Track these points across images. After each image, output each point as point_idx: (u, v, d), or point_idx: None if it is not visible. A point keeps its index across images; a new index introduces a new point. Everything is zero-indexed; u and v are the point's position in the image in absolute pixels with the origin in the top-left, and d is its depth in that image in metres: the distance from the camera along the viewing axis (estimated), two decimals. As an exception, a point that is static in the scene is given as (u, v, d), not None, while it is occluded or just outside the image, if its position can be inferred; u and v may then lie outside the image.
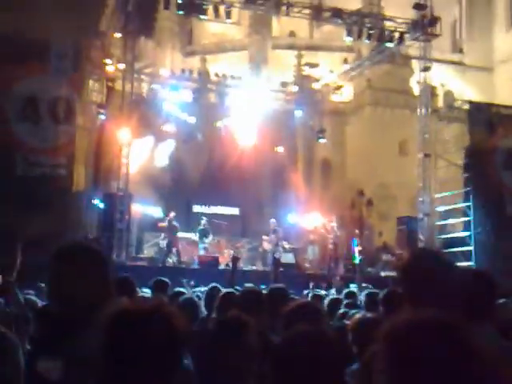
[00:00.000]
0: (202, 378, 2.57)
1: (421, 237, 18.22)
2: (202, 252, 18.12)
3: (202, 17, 17.31)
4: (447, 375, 1.05)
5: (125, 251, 17.57)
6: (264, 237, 17.30)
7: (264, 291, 4.42)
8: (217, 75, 22.07)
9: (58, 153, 20.52)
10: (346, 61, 22.20)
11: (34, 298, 5.11)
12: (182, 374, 1.59)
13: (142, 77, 22.61)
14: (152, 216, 19.81)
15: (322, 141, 22.11)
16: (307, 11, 17.89)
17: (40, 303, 4.82)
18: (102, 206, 18.95)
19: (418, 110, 19.52)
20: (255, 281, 11.02)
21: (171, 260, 17.32)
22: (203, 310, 5.21)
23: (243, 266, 17.52)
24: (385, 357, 1.16)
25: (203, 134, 21.48)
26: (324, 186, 24.48)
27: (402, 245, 18.39)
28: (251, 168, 21.26)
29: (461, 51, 31.84)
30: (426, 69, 19.44)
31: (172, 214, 17.54)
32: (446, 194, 18.92)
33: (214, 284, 6.04)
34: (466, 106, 19.77)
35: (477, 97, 25.97)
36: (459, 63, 30.48)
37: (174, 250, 17.32)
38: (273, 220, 16.72)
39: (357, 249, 16.88)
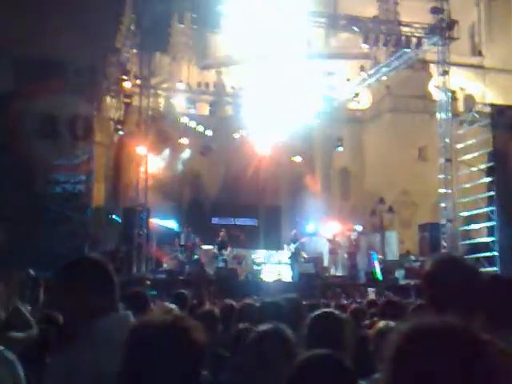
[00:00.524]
0: None
1: (444, 243, 18.35)
2: (221, 264, 18.64)
3: (215, 30, 18.03)
4: None
5: (144, 264, 18.18)
6: (285, 246, 17.75)
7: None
8: (233, 88, 22.76)
9: (77, 170, 21.41)
10: (362, 68, 22.64)
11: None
12: None
13: (159, 92, 23.39)
14: (171, 229, 20.44)
15: (339, 149, 22.53)
16: (323, 20, 18.42)
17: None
18: (120, 220, 19.63)
19: (438, 114, 19.76)
20: (277, 292, 11.43)
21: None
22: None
23: (264, 276, 17.98)
24: (388, 368, 1.15)
25: (220, 146, 22.11)
26: (343, 195, 24.77)
27: (424, 252, 18.58)
28: (269, 178, 21.74)
29: (480, 54, 31.89)
30: (444, 73, 19.73)
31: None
32: (469, 199, 19.03)
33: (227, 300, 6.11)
34: (487, 110, 19.97)
35: (498, 100, 25.93)
36: (479, 66, 30.57)
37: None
38: (294, 231, 17.17)
39: (377, 263, 17.06)
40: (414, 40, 19.20)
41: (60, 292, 2.32)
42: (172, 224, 20.60)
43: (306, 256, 18.06)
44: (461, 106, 28.09)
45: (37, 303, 5.50)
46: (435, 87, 21.00)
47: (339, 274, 18.59)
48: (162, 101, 23.65)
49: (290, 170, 22.62)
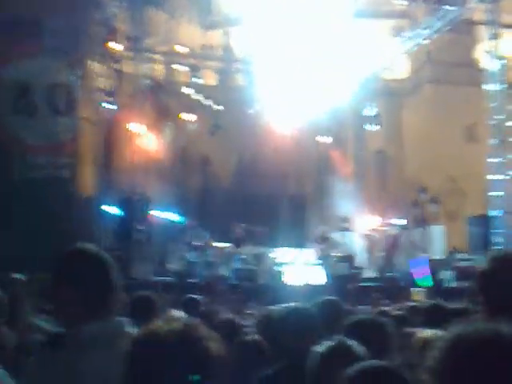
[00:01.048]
0: None
1: (498, 239, 18.96)
2: (238, 264, 19.17)
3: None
4: None
5: (146, 265, 18.63)
6: (315, 245, 18.31)
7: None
8: (244, 52, 22.87)
9: (59, 151, 21.63)
10: (398, 29, 22.95)
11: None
12: None
13: (155, 56, 23.49)
14: (175, 223, 20.78)
15: (375, 128, 22.84)
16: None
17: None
18: (116, 212, 19.86)
19: (489, 86, 20.17)
20: (305, 297, 11.98)
21: None
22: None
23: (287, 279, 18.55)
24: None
25: (231, 124, 22.35)
26: (379, 183, 25.20)
27: (475, 249, 19.17)
28: (291, 163, 22.03)
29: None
30: (495, 36, 20.13)
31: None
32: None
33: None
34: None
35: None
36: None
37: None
38: (323, 227, 17.68)
39: (423, 269, 17.57)
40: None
41: (49, 291, 2.48)
42: (175, 217, 20.97)
43: (337, 255, 18.63)
44: (514, 76, 28.48)
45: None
46: (485, 53, 21.39)
47: (375, 275, 19.20)
48: (159, 67, 23.78)
49: (315, 153, 23.01)
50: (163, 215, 20.73)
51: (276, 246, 19.97)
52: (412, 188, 23.72)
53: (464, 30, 24.27)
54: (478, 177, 21.37)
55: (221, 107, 22.34)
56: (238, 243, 19.36)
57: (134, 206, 19.44)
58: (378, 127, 22.50)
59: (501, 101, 19.92)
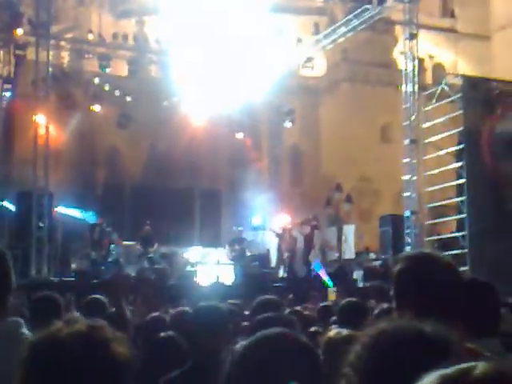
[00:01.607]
0: None
1: (408, 239, 19.37)
2: (146, 264, 18.79)
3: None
4: None
5: (47, 265, 17.91)
6: (227, 247, 18.17)
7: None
8: (158, 42, 22.54)
9: None
10: (316, 26, 23.11)
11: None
12: None
13: (62, 43, 22.73)
14: (81, 220, 20.16)
15: (289, 125, 22.92)
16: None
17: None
18: (15, 208, 19.12)
19: (403, 86, 20.55)
20: (215, 297, 11.77)
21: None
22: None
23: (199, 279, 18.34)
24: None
25: (143, 116, 21.88)
26: (294, 180, 25.36)
27: (386, 249, 19.53)
28: (204, 159, 21.85)
29: (452, 15, 33.35)
30: (412, 37, 20.49)
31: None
32: (437, 187, 19.99)
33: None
34: (459, 82, 20.94)
35: (472, 70, 27.24)
36: (451, 30, 31.96)
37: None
38: (238, 228, 17.55)
39: (322, 272, 17.76)
40: (377, -7, 19.80)
41: None
42: (80, 214, 20.34)
43: (251, 254, 18.55)
44: (429, 77, 29.32)
45: None
46: (400, 54, 21.83)
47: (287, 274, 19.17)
48: (66, 55, 23.03)
49: (230, 149, 22.86)
50: (67, 211, 20.00)
51: (187, 245, 19.66)
52: (326, 186, 23.98)
53: (383, 30, 24.77)
54: (392, 177, 21.81)
55: (131, 98, 21.78)
56: (146, 242, 18.90)
57: (35, 201, 18.61)
58: (292, 124, 22.55)
59: (413, 102, 20.32)
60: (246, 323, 5.52)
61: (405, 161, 20.08)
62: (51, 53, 20.90)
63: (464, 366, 1.07)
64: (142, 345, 5.04)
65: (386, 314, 4.66)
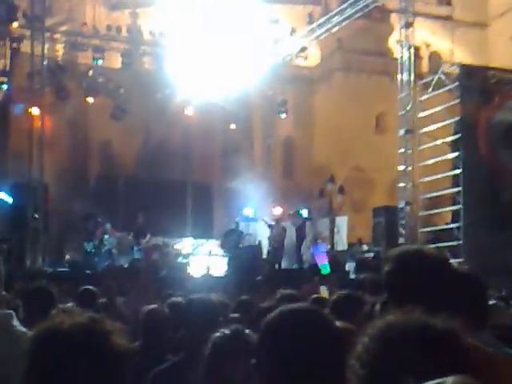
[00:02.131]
0: None
1: (401, 230, 19.31)
2: (137, 255, 18.90)
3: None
4: None
5: (42, 256, 18.10)
6: (220, 237, 18.27)
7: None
8: (152, 34, 22.56)
9: None
10: (310, 15, 23.02)
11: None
12: None
13: (56, 36, 22.82)
14: (76, 212, 20.31)
15: (283, 115, 22.87)
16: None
17: None
18: (11, 199, 19.28)
19: (399, 75, 20.44)
20: (206, 289, 11.86)
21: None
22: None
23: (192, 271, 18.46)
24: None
25: (136, 109, 21.94)
26: (287, 171, 25.37)
27: (379, 240, 19.47)
28: (197, 151, 21.90)
29: (449, 3, 33.07)
30: (408, 25, 20.34)
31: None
32: (432, 178, 19.91)
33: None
34: (456, 70, 20.79)
35: (469, 59, 27.05)
36: (447, 18, 31.71)
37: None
38: (235, 219, 17.63)
39: (322, 256, 17.72)
40: (373, -19, 19.65)
41: None
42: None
43: (243, 246, 18.61)
44: (425, 66, 29.13)
45: None
46: (396, 42, 21.68)
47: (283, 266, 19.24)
48: (60, 48, 23.11)
49: (223, 140, 22.88)
50: (63, 203, 20.17)
51: (180, 236, 19.74)
52: (319, 177, 23.93)
53: (379, 19, 24.60)
54: (386, 167, 21.72)
55: (124, 90, 21.86)
56: (138, 233, 19.02)
57: (30, 192, 18.77)
58: (286, 114, 22.51)
59: (409, 91, 20.20)
60: (235, 315, 5.56)
61: (400, 151, 20.04)
62: (46, 45, 21.01)
63: (436, 381, 1.13)
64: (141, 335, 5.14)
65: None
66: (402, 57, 20.56)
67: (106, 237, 18.61)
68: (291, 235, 19.04)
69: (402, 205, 19.68)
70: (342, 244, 20.49)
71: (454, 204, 19.30)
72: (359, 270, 17.93)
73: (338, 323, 3.31)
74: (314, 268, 18.36)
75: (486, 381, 1.24)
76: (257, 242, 19.56)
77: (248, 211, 20.09)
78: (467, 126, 19.38)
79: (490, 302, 4.61)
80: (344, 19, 21.67)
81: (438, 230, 19.84)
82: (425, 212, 20.41)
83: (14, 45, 21.67)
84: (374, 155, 24.20)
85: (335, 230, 20.62)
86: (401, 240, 18.96)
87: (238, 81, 21.45)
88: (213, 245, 19.31)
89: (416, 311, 1.39)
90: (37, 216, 18.63)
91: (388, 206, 20.41)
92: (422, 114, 20.31)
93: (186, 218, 20.64)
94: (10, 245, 17.47)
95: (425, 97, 20.45)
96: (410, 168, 19.95)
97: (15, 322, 2.50)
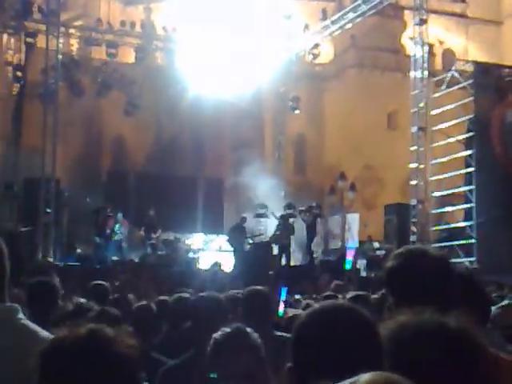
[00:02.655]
0: None
1: (413, 228, 19.03)
2: (149, 250, 18.82)
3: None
4: None
5: (53, 250, 18.05)
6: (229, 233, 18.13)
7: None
8: (165, 29, 22.45)
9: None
10: (324, 12, 22.77)
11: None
12: None
13: (71, 31, 22.77)
14: (88, 206, 20.25)
15: (296, 112, 22.67)
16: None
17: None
18: (24, 193, 19.31)
19: (412, 73, 20.17)
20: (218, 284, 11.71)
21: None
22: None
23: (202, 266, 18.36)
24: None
25: (149, 104, 21.85)
26: (298, 168, 25.17)
27: (390, 238, 19.23)
28: (208, 146, 21.75)
29: (463, 0, 32.68)
30: (421, 22, 20.08)
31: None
32: (444, 176, 19.66)
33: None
34: (470, 68, 20.52)
35: (482, 56, 26.77)
36: (461, 15, 31.34)
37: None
38: (242, 215, 17.47)
39: (350, 252, 17.57)
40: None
41: None
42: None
43: (254, 242, 18.45)
44: (439, 63, 28.81)
45: None
46: (409, 39, 21.40)
47: (293, 263, 19.04)
48: (75, 43, 23.06)
49: (234, 136, 22.71)
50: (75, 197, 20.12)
51: (190, 232, 19.62)
52: (330, 174, 23.72)
53: (392, 15, 24.31)
54: (398, 165, 21.45)
55: (137, 86, 21.75)
56: (149, 227, 18.90)
57: (42, 187, 18.73)
58: (298, 111, 22.31)
59: (422, 88, 19.91)
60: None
61: (412, 148, 19.75)
62: (61, 40, 20.95)
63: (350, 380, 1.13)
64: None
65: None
66: (415, 54, 20.28)
67: (118, 226, 18.49)
68: (302, 232, 18.85)
69: (413, 202, 19.40)
70: (353, 241, 20.27)
71: (466, 202, 19.04)
72: (370, 267, 17.76)
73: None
74: (324, 264, 18.20)
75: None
76: (267, 239, 19.38)
77: (259, 208, 19.94)
78: (481, 124, 19.13)
79: (504, 302, 4.52)
80: (357, 16, 21.41)
81: (451, 228, 19.58)
82: (437, 210, 20.16)
83: (29, 39, 21.61)
84: (385, 152, 23.96)
85: (346, 227, 20.40)
86: (412, 238, 18.72)
87: (250, 77, 21.27)
88: (223, 240, 19.16)
89: (426, 311, 1.37)
90: (49, 210, 18.59)
91: (400, 204, 20.16)
92: (434, 112, 20.05)
93: (197, 213, 20.53)
94: (22, 238, 17.46)
95: (438, 94, 20.19)
96: (421, 166, 19.68)
97: (21, 316, 2.43)
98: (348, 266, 17.36)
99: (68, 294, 5.17)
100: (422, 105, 19.96)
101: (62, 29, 21.52)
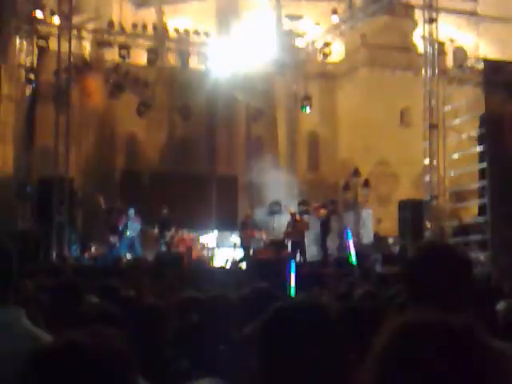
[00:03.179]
0: None
1: (427, 224, 18.88)
2: (163, 248, 18.69)
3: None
4: None
5: (67, 249, 17.96)
6: (240, 230, 17.94)
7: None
8: (177, 31, 22.48)
9: (-23, 130, 20.68)
10: (335, 12, 22.73)
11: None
12: None
13: (83, 34, 22.79)
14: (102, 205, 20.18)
15: (307, 110, 22.64)
16: None
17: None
18: (37, 193, 19.27)
19: (423, 70, 20.09)
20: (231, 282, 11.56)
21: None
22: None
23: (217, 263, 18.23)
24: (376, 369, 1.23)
25: (161, 104, 21.87)
26: (312, 165, 25.07)
27: (405, 234, 19.07)
28: (221, 145, 21.67)
29: (474, -2, 32.68)
30: (431, 20, 20.02)
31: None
32: (458, 172, 19.55)
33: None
34: (481, 65, 20.41)
35: (493, 54, 26.68)
36: (472, 13, 31.25)
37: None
38: (248, 212, 17.35)
39: (351, 242, 17.42)
40: (396, -22, 19.33)
41: None
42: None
43: (265, 238, 18.29)
44: (450, 61, 28.72)
45: None
46: (420, 38, 21.35)
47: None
48: (87, 45, 23.09)
49: (248, 135, 22.64)
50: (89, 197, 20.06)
51: (204, 229, 19.52)
52: (344, 171, 23.62)
53: (403, 14, 24.28)
54: (411, 161, 21.32)
55: (149, 87, 21.77)
56: (163, 226, 18.78)
57: (56, 187, 18.68)
58: (310, 109, 22.27)
59: (433, 86, 19.83)
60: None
61: (425, 145, 19.63)
62: (73, 43, 20.96)
63: None
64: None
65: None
66: (425, 52, 20.21)
67: (130, 222, 18.38)
68: (316, 228, 18.69)
69: (427, 198, 19.25)
70: (367, 237, 20.11)
71: (480, 198, 18.90)
72: (384, 263, 17.59)
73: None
74: (339, 261, 18.00)
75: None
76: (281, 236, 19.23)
77: (272, 205, 19.83)
78: (492, 120, 19.00)
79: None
80: (368, 15, 21.40)
81: (465, 224, 19.43)
82: (451, 205, 20.05)
83: (41, 42, 21.62)
84: (398, 149, 23.87)
85: (360, 223, 20.25)
86: (427, 234, 18.55)
87: (262, 76, 21.24)
88: (236, 238, 19.03)
89: (434, 310, 1.33)
90: (63, 210, 18.52)
91: (414, 200, 19.99)
92: (446, 108, 19.95)
93: (211, 211, 20.43)
94: (37, 238, 17.37)
95: (449, 91, 20.09)
96: (435, 162, 19.56)
97: (25, 320, 2.41)
98: (353, 260, 17.22)
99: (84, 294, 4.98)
100: (433, 102, 19.86)
101: (74, 31, 21.57)
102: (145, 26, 22.50)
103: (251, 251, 17.44)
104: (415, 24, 24.55)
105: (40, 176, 19.39)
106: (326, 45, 21.99)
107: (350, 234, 17.52)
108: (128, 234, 18.10)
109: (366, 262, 18.04)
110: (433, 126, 19.71)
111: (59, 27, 20.30)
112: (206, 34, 22.21)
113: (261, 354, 1.81)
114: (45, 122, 20.68)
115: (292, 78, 22.70)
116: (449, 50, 29.11)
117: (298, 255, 18.61)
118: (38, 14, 21.59)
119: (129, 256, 18.16)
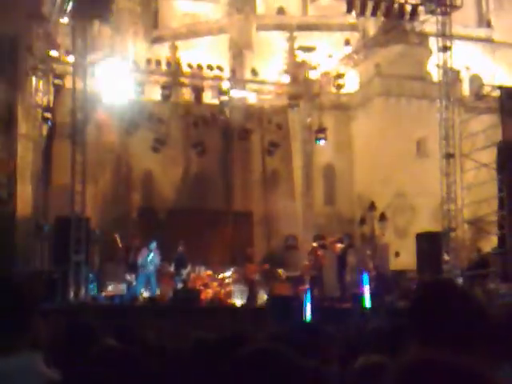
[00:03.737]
0: None
1: (446, 257, 18.69)
2: (179, 285, 18.69)
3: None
4: None
5: (84, 288, 18.03)
6: (249, 265, 17.96)
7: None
8: (190, 66, 22.68)
9: (-4, 170, 21.05)
10: (348, 42, 22.81)
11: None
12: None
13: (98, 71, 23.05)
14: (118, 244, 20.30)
15: (322, 142, 22.68)
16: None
17: None
18: (52, 233, 19.41)
19: (439, 99, 20.03)
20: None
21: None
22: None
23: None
24: None
25: (176, 140, 22.03)
26: (328, 198, 25.02)
27: (423, 266, 18.88)
28: (237, 179, 21.74)
29: (489, 25, 32.58)
30: (445, 48, 19.98)
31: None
32: (476, 202, 19.35)
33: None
34: (497, 93, 20.31)
35: (510, 81, 26.58)
36: (487, 40, 31.20)
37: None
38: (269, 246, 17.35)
39: (366, 287, 17.26)
40: (409, 8, 19.32)
41: None
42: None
43: (282, 274, 18.25)
44: (466, 89, 28.61)
45: None
46: (435, 66, 21.30)
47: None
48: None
49: (263, 169, 22.72)
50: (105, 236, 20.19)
51: (221, 266, 19.54)
52: (361, 204, 23.54)
53: (417, 43, 24.31)
54: (429, 192, 21.20)
55: (164, 123, 21.96)
56: (179, 262, 18.83)
57: (73, 225, 18.83)
58: (324, 141, 22.30)
59: (449, 114, 19.74)
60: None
61: (442, 175, 19.48)
62: (88, 81, 21.21)
63: None
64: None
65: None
66: (441, 80, 20.13)
67: (152, 255, 18.40)
68: (332, 263, 18.60)
69: (445, 230, 19.06)
70: (385, 271, 19.94)
71: (499, 228, 18.68)
72: (402, 298, 17.39)
73: (376, 357, 3.42)
74: (355, 298, 17.88)
75: None
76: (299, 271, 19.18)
77: (289, 240, 19.82)
78: (510, 148, 18.85)
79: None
80: (382, 45, 21.44)
81: (484, 255, 19.20)
82: (470, 237, 19.84)
83: (57, 81, 21.92)
84: (415, 180, 23.77)
85: (377, 256, 20.11)
86: (446, 267, 18.35)
87: (276, 108, 21.35)
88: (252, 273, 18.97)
89: (443, 349, 1.41)
90: (79, 249, 18.64)
91: (431, 232, 19.82)
92: (463, 138, 19.82)
93: (227, 246, 20.45)
94: (54, 278, 17.52)
95: (465, 119, 19.96)
96: (452, 192, 19.39)
97: (41, 365, 2.40)
98: (367, 304, 17.00)
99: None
100: (449, 131, 19.75)
101: (90, 70, 21.83)
102: (158, 62, 22.76)
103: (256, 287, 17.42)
104: (430, 52, 24.54)
105: (57, 215, 19.52)
106: (339, 76, 22.05)
107: (367, 278, 17.34)
108: (149, 267, 18.12)
109: (384, 298, 17.92)
110: (449, 156, 19.57)
111: (74, 65, 20.52)
112: (220, 68, 22.38)
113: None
114: (61, 160, 20.92)
115: (306, 110, 22.75)
116: (464, 77, 29.02)
117: (315, 289, 18.54)
118: (53, 53, 21.91)
119: (145, 293, 18.21)
